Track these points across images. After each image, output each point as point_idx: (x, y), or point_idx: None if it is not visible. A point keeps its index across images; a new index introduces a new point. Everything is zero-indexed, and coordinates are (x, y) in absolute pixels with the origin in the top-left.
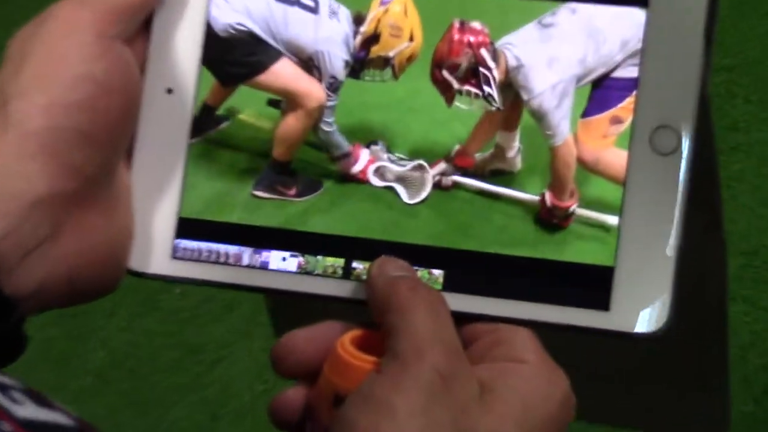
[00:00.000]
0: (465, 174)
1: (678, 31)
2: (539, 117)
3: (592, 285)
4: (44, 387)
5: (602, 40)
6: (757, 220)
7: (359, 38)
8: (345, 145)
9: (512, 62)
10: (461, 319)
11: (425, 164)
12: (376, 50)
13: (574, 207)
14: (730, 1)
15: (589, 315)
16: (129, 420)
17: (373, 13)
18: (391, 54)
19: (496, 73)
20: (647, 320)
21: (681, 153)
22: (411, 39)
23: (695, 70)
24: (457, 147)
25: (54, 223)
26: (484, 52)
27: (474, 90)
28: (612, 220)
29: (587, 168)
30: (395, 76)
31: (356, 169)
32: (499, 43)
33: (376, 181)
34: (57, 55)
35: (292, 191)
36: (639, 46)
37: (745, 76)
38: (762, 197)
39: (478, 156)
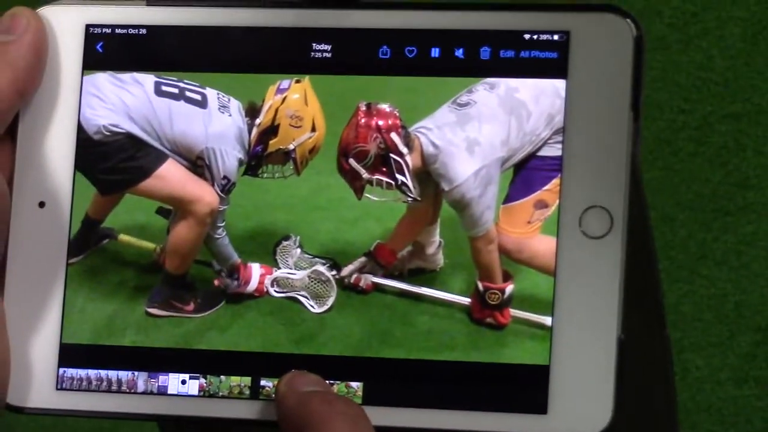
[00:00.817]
0: (384, 274)
1: (602, 101)
2: (461, 208)
3: (528, 387)
4: None
5: (525, 115)
6: None
7: (255, 131)
8: (234, 255)
9: (428, 148)
10: None
11: (323, 270)
12: (274, 143)
13: (511, 288)
14: (741, 38)
15: (526, 420)
16: None
17: (270, 102)
18: (291, 146)
19: (409, 159)
20: (588, 421)
21: (615, 235)
22: (313, 129)
23: (623, 144)
24: (372, 247)
25: None
26: (394, 137)
27: (385, 179)
28: (548, 318)
29: (511, 258)
30: (297, 171)
31: (249, 289)
32: (412, 128)
33: (276, 294)
34: None
35: (190, 306)
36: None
37: (755, 125)
38: None
39: None
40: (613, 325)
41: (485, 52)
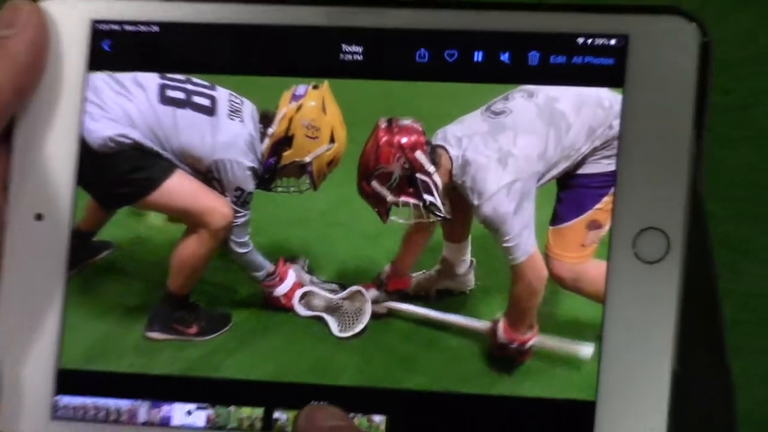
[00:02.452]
0: (402, 298)
1: (662, 114)
2: (494, 226)
3: (572, 424)
4: None
5: (565, 127)
6: None
7: (267, 142)
8: (266, 264)
9: (457, 162)
10: None
11: (363, 291)
12: (288, 155)
13: (533, 342)
14: None
15: None
16: None
17: (283, 110)
18: (307, 159)
19: (437, 177)
20: None
21: (673, 260)
22: (332, 140)
23: (684, 161)
24: (386, 267)
25: None
26: (420, 156)
27: (412, 201)
28: (585, 349)
29: (565, 287)
30: (314, 185)
31: (281, 291)
32: (437, 138)
33: (301, 310)
34: None
35: (193, 329)
36: (608, 133)
37: None
38: None
39: (422, 274)
40: (667, 357)
41: (534, 57)
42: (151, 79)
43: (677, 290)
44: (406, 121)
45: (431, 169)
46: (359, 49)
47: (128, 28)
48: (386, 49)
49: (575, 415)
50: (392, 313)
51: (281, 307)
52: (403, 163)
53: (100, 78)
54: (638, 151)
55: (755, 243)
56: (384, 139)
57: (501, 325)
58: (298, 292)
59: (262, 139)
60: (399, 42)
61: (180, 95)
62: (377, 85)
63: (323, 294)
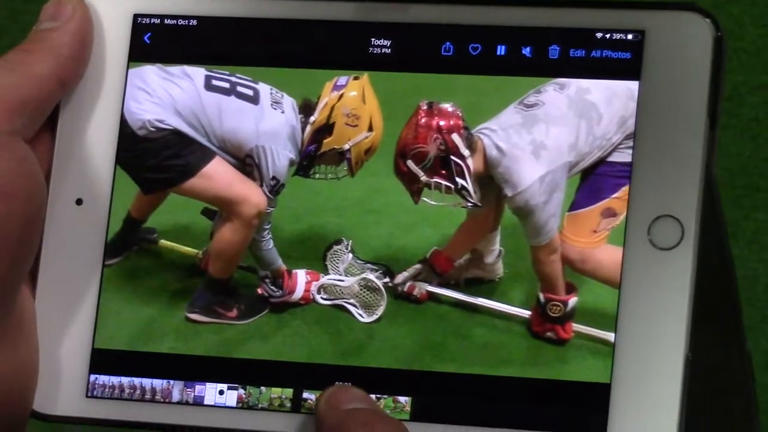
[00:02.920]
0: (440, 283)
1: (677, 106)
2: (525, 215)
3: (587, 407)
4: None
5: (596, 118)
6: None
7: (308, 130)
8: (278, 261)
9: (492, 151)
10: None
11: (383, 277)
12: (329, 143)
13: (575, 300)
14: None
15: None
16: None
17: (326, 99)
18: (346, 146)
19: (470, 162)
20: None
21: (686, 247)
22: (370, 128)
23: (699, 151)
24: (433, 249)
25: None
26: (456, 138)
27: (444, 183)
28: (611, 334)
29: (574, 268)
30: (352, 172)
31: (295, 297)
32: (475, 129)
33: (323, 301)
34: None
35: (233, 313)
36: None
37: None
38: None
39: None
40: (681, 342)
41: (554, 51)
42: (197, 71)
43: (691, 276)
44: (446, 105)
45: (466, 152)
46: (387, 42)
47: (168, 21)
48: (412, 42)
49: (592, 397)
50: (430, 297)
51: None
52: (439, 144)
53: (150, 68)
54: (654, 141)
55: (741, 225)
56: (423, 120)
57: (541, 295)
58: (315, 286)
59: (303, 129)
60: (424, 36)
61: (225, 84)
62: (409, 77)
63: (339, 284)
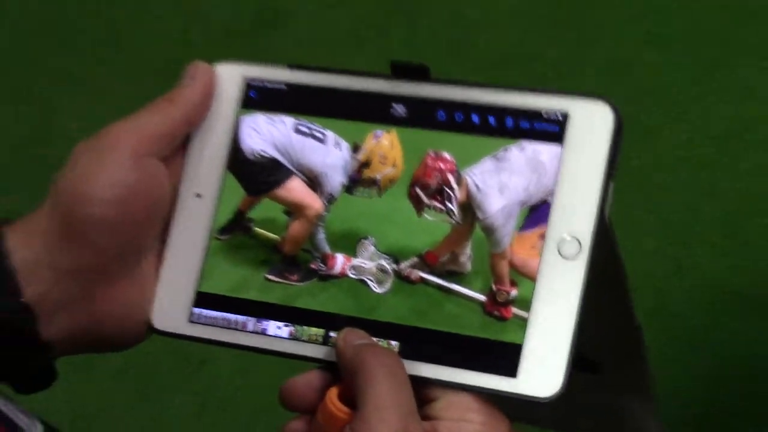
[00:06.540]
0: (430, 272)
1: (585, 162)
2: (489, 232)
3: (507, 358)
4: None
5: (543, 173)
6: None
7: (355, 164)
8: (326, 248)
9: (472, 187)
10: (415, 381)
11: (393, 264)
12: (367, 173)
13: (515, 293)
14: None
15: (500, 380)
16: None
17: (368, 144)
18: (378, 176)
19: (458, 193)
20: (545, 387)
21: (582, 257)
22: (394, 165)
23: (597, 194)
24: (427, 249)
25: (82, 287)
26: (450, 177)
27: (439, 205)
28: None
29: (516, 270)
30: (380, 194)
31: (334, 272)
32: (463, 171)
33: (352, 275)
34: (101, 163)
35: (295, 277)
36: None
37: None
38: None
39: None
40: (573, 320)
41: (510, 121)
42: (288, 119)
43: (585, 275)
44: (446, 154)
45: (455, 186)
46: (402, 107)
47: (267, 84)
48: (419, 108)
49: (511, 352)
50: (422, 280)
51: (340, 276)
52: (438, 179)
53: (260, 115)
54: (567, 185)
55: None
56: (431, 162)
57: (494, 286)
58: (348, 265)
59: (351, 163)
60: (426, 104)
61: (306, 129)
62: (417, 133)
63: (363, 265)
